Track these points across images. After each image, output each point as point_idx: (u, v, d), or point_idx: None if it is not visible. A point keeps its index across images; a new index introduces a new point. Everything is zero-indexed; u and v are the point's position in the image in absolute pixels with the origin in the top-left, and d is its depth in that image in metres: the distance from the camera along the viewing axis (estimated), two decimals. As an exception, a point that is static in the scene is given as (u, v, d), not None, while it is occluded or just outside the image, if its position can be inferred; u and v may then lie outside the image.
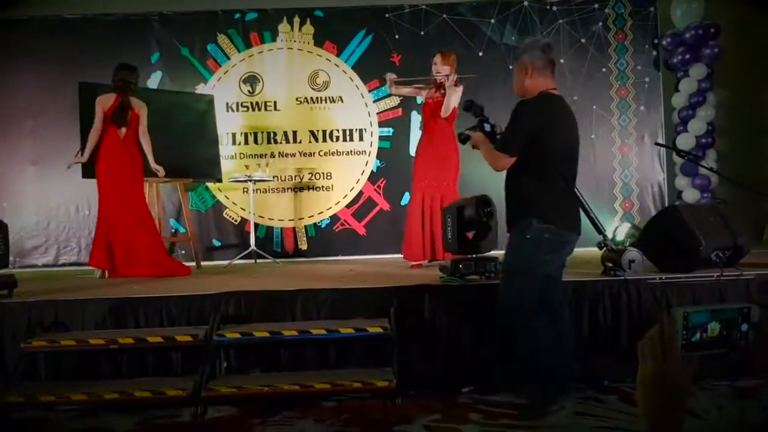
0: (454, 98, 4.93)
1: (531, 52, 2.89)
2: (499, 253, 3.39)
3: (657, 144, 6.30)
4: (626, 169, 7.10)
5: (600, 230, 3.94)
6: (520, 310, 2.83)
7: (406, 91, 5.53)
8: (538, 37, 3.02)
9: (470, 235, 3.85)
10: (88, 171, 5.56)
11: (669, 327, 0.94)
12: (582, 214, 2.97)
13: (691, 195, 6.76)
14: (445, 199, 4.78)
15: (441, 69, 4.97)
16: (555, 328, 2.90)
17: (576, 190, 2.94)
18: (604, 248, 3.89)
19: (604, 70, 7.09)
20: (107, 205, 4.97)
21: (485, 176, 4.01)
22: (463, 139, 3.09)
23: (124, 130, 5.01)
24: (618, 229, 6.38)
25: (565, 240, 2.87)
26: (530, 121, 2.80)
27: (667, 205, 6.77)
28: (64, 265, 6.73)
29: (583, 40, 7.05)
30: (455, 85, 4.96)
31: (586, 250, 6.08)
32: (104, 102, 4.99)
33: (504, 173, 2.98)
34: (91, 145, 5.03)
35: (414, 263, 5.07)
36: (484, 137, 2.98)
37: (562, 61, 7.02)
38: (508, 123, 2.87)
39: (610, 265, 3.77)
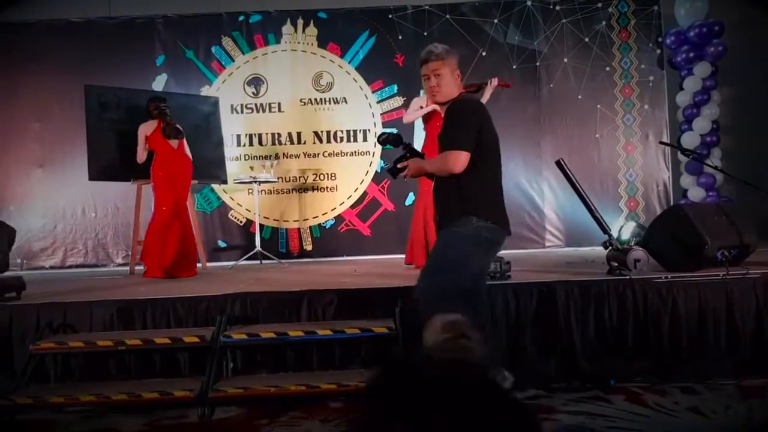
0: None
1: (452, 55, 2.87)
2: (502, 253, 3.38)
3: (661, 143, 6.29)
4: (631, 168, 7.09)
5: (605, 229, 3.96)
6: (441, 305, 2.47)
7: (418, 113, 5.08)
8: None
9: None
10: (95, 173, 5.63)
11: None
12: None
13: (696, 193, 6.75)
14: None
15: None
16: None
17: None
18: (610, 247, 3.89)
19: (608, 69, 7.09)
20: (163, 210, 5.18)
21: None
22: (395, 173, 2.96)
23: (176, 141, 5.32)
24: (623, 228, 6.38)
25: (499, 241, 2.80)
26: (474, 116, 2.77)
27: (672, 203, 6.77)
28: (71, 267, 6.78)
29: (586, 40, 7.05)
30: None
31: (592, 249, 6.15)
32: (146, 128, 5.29)
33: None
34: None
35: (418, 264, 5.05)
36: (421, 158, 2.94)
37: (565, 60, 7.04)
38: (450, 124, 2.81)
39: (616, 264, 3.76)
